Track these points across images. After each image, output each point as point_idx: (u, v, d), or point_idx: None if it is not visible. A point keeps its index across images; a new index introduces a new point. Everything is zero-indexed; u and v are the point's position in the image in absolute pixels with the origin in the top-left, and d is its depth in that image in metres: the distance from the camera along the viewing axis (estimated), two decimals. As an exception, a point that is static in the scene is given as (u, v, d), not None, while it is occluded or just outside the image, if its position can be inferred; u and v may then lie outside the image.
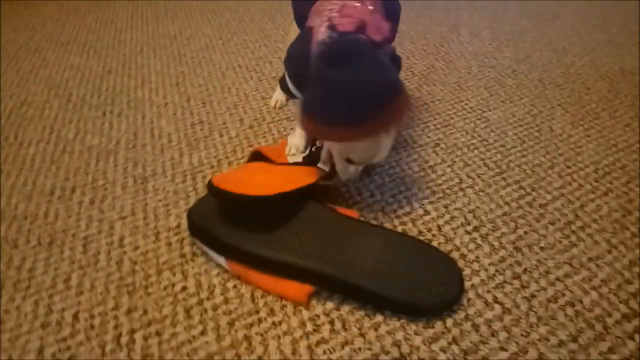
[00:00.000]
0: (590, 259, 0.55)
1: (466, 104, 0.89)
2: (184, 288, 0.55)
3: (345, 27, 0.59)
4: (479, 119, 0.84)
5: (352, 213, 0.62)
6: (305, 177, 0.61)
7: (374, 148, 0.57)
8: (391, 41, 0.63)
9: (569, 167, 0.71)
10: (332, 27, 0.60)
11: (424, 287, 0.49)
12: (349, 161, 0.59)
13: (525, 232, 0.60)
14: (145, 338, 0.50)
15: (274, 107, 0.91)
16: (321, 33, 0.61)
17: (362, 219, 0.62)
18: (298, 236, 0.55)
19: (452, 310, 0.50)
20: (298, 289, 0.52)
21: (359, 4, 0.62)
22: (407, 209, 0.65)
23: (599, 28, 1.19)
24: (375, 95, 0.54)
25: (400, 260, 0.52)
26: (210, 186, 0.58)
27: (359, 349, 0.47)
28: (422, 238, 0.60)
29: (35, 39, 1.32)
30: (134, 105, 0.95)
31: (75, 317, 0.53)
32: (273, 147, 0.77)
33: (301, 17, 0.73)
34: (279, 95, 0.92)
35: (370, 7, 0.63)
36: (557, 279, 0.53)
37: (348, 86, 0.53)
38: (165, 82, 1.03)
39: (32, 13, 1.54)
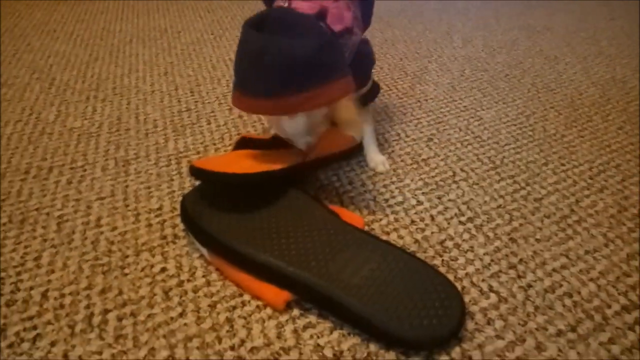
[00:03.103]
0: (587, 252, 0.54)
1: (459, 103, 0.88)
2: (164, 269, 0.52)
3: (304, 11, 0.54)
4: (472, 117, 0.83)
5: (357, 220, 0.56)
6: (293, 158, 0.58)
7: (295, 123, 0.53)
8: (352, 31, 0.58)
9: (563, 165, 0.70)
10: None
11: (414, 315, 0.42)
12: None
13: (521, 225, 0.58)
14: (119, 319, 0.46)
15: None
16: None
17: (366, 228, 0.57)
18: (288, 237, 0.50)
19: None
20: (276, 294, 0.47)
21: None
22: (400, 198, 0.62)
23: (589, 40, 1.21)
24: (290, 68, 0.47)
25: (395, 280, 0.46)
26: (192, 168, 0.55)
27: (349, 334, 0.45)
28: (414, 227, 0.58)
29: (20, 25, 1.28)
30: (120, 92, 0.92)
31: (44, 295, 0.49)
32: (261, 136, 0.74)
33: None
34: None
35: None
36: (554, 270, 0.51)
37: (262, 51, 0.47)
38: (154, 72, 1.00)
39: (19, 1, 1.51)
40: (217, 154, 0.72)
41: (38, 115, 0.83)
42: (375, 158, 0.68)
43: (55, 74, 0.99)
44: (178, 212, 0.60)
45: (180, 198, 0.62)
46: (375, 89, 0.69)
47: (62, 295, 0.49)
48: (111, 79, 0.97)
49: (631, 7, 1.51)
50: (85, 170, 0.68)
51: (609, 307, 0.47)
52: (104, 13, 1.39)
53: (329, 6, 0.55)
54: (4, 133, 0.78)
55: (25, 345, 0.44)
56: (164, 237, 0.56)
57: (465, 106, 0.87)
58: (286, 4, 0.57)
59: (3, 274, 0.51)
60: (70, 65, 1.03)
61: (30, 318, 0.46)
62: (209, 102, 0.87)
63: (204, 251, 0.52)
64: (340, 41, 0.56)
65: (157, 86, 0.94)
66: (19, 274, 0.51)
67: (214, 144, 0.75)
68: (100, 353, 0.43)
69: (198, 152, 0.72)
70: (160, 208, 0.61)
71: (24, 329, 0.45)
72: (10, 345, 0.44)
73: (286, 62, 0.47)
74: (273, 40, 0.48)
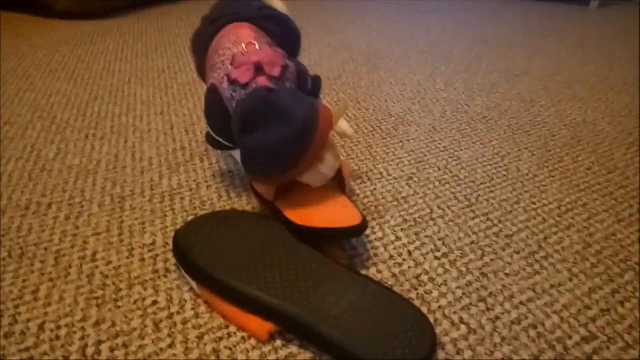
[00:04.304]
0: (552, 286, 0.58)
1: (439, 144, 0.93)
2: (155, 302, 0.55)
3: (244, 77, 0.61)
4: (451, 157, 0.88)
5: (339, 254, 0.61)
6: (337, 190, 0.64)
7: (318, 174, 0.60)
8: (287, 65, 0.64)
9: (534, 203, 0.74)
10: (233, 82, 0.62)
11: (387, 345, 0.46)
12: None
13: (492, 260, 0.62)
14: (112, 350, 0.49)
15: None
16: (225, 90, 0.63)
17: (346, 262, 0.61)
18: (273, 270, 0.54)
19: (420, 329, 0.51)
20: (260, 325, 0.50)
21: (245, 45, 0.65)
22: (380, 234, 0.66)
23: (564, 84, 1.28)
24: (290, 145, 0.56)
25: (372, 312, 0.49)
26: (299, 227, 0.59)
27: (327, 363, 0.48)
28: (392, 262, 0.61)
29: (23, 65, 1.34)
30: (117, 130, 0.96)
31: (41, 327, 0.52)
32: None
33: (202, 72, 0.77)
34: None
35: (255, 43, 0.65)
36: (521, 303, 0.55)
37: (262, 148, 0.57)
38: (150, 111, 1.05)
39: (23, 42, 1.58)
40: (211, 192, 0.76)
41: (39, 153, 0.87)
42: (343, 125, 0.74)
43: (56, 113, 1.04)
44: (170, 247, 0.64)
45: (173, 234, 0.66)
46: (319, 81, 0.75)
47: (58, 327, 0.52)
48: (110, 117, 1.02)
49: (604, 53, 1.60)
50: (82, 206, 0.72)
51: (570, 338, 0.51)
52: (104, 54, 1.46)
53: (260, 59, 0.62)
54: (6, 170, 0.81)
55: (22, 375, 0.46)
56: (156, 271, 0.59)
57: (444, 146, 0.92)
58: (222, 74, 0.64)
59: (2, 307, 0.54)
60: (71, 104, 1.08)
61: (27, 349, 0.49)
62: (202, 141, 0.92)
63: (194, 284, 0.55)
64: (285, 76, 0.63)
65: (154, 125, 0.99)
66: (17, 307, 0.54)
67: (206, 182, 0.79)
68: (92, 382, 0.46)
69: (191, 189, 0.77)
70: (153, 243, 0.64)
71: None
72: (7, 375, 0.46)
73: (285, 144, 0.56)
74: (260, 139, 0.57)
